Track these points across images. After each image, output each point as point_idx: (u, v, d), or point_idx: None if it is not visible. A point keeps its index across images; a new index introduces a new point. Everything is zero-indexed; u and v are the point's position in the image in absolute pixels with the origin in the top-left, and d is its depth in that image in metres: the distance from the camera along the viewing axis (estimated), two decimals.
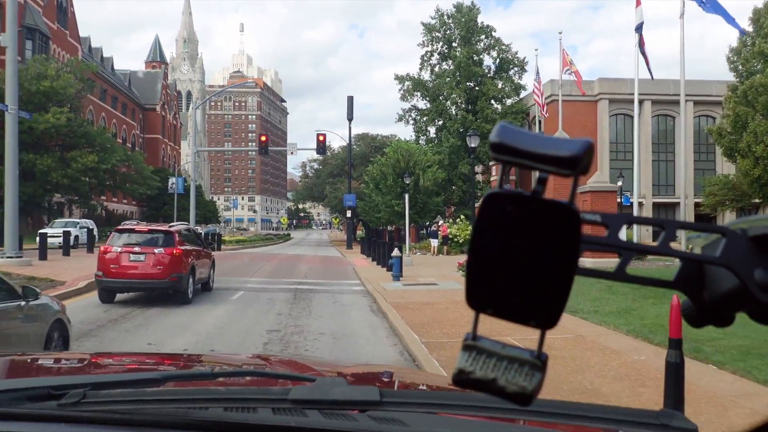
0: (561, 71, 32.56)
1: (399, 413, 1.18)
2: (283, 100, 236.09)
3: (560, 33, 33.50)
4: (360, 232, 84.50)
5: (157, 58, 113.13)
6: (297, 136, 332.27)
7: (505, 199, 0.53)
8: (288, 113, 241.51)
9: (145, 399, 1.21)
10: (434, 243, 34.77)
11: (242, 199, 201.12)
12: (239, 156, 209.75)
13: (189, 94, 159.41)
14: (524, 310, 0.55)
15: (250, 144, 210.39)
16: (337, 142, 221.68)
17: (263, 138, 38.61)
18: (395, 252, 18.58)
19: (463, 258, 27.40)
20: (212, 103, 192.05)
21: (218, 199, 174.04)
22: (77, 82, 53.95)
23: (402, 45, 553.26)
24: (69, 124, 50.92)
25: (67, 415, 1.10)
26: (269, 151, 38.98)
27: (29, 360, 1.87)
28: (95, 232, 38.67)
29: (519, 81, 54.46)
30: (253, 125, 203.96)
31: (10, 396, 1.19)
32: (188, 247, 14.25)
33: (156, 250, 13.34)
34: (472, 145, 31.99)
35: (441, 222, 36.01)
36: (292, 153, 38.80)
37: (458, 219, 38.50)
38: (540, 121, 43.03)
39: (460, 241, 33.74)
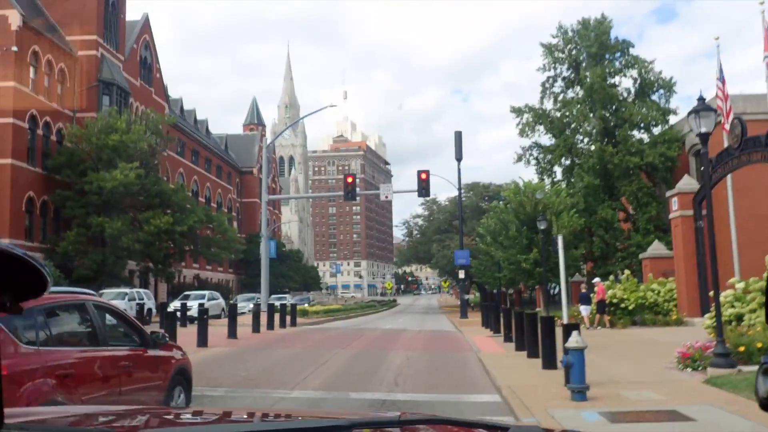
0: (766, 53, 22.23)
1: None
2: (387, 163, 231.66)
3: (717, 39, 23.06)
4: (473, 296, 74.85)
5: (254, 120, 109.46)
6: (402, 200, 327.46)
7: None
8: (392, 175, 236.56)
9: None
10: (584, 311, 24.43)
11: (347, 264, 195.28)
12: (344, 221, 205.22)
13: (291, 159, 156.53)
14: None
15: (354, 208, 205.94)
16: (443, 192, 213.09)
17: (349, 179, 30.36)
18: (573, 340, 9.06)
19: (669, 339, 17.35)
20: (316, 168, 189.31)
21: (323, 265, 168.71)
22: (151, 136, 48.15)
23: (506, 106, 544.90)
24: (140, 182, 44.75)
25: None
26: (356, 195, 30.66)
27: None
28: (149, 305, 31.14)
29: (667, 105, 43.94)
30: (358, 188, 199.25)
31: None
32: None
33: None
34: (542, 228, 28.62)
35: (597, 281, 25.65)
36: (386, 197, 30.73)
37: (622, 275, 27.95)
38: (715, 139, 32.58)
39: (630, 307, 23.60)
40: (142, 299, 32.23)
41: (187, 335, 17.84)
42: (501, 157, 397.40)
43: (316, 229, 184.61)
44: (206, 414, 1.54)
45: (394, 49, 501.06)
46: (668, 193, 23.96)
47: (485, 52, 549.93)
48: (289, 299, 59.55)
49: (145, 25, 62.25)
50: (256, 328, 23.32)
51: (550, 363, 12.07)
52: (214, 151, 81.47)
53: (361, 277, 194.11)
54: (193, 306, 30.84)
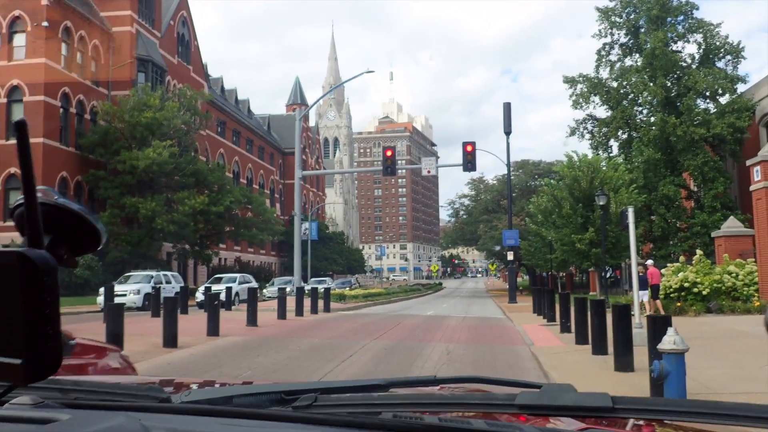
0: None
1: (630, 420, 1.17)
2: (433, 144, 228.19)
3: None
4: (521, 280, 71.74)
5: (297, 100, 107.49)
6: (449, 181, 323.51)
7: None
8: (438, 157, 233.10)
9: (371, 403, 1.24)
10: (644, 296, 21.51)
11: (393, 247, 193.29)
12: (389, 203, 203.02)
13: (336, 141, 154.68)
14: None
15: (400, 190, 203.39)
16: (490, 173, 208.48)
17: (388, 152, 27.95)
18: (670, 340, 6.55)
19: (757, 331, 14.56)
20: (361, 150, 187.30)
21: (369, 248, 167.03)
22: (186, 113, 46.46)
23: (557, 86, 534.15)
24: (174, 161, 43.13)
25: (300, 416, 1.13)
26: (396, 170, 28.25)
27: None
28: (176, 289, 29.31)
29: (735, 72, 40.25)
30: (403, 170, 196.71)
31: (250, 399, 1.25)
32: None
33: None
34: (601, 204, 25.75)
35: (650, 263, 22.66)
36: (428, 172, 28.31)
37: (688, 256, 24.85)
38: None
39: (704, 292, 20.66)
40: (169, 282, 30.37)
41: (200, 322, 15.83)
42: (551, 138, 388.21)
43: (361, 212, 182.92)
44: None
45: (442, 30, 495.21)
46: (749, 162, 20.91)
47: (535, 30, 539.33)
48: (329, 282, 57.66)
49: (183, 2, 60.59)
50: (281, 314, 21.23)
51: (625, 364, 9.59)
52: (255, 132, 79.84)
53: (406, 260, 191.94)
54: (221, 290, 29.00)
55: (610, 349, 11.22)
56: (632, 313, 10.92)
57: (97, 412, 1.14)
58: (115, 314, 10.63)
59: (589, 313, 12.38)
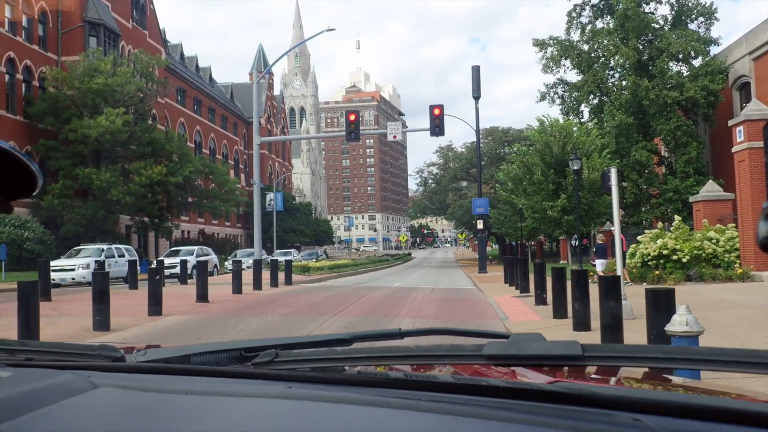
0: None
1: (601, 368, 1.18)
2: (401, 114, 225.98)
3: None
4: (491, 249, 70.89)
5: (261, 68, 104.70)
6: (418, 151, 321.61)
7: None
8: (407, 127, 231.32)
9: (334, 357, 1.22)
10: (600, 265, 20.65)
11: (362, 218, 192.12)
12: (358, 174, 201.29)
13: (302, 110, 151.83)
14: None
15: (368, 160, 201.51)
16: (459, 140, 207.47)
17: (351, 117, 26.41)
18: (681, 320, 5.30)
19: (744, 300, 13.58)
20: (328, 120, 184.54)
21: (337, 219, 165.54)
22: (141, 79, 44.20)
23: (526, 55, 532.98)
24: (129, 129, 41.08)
25: (261, 372, 1.13)
26: (360, 136, 26.79)
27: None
28: (119, 264, 27.56)
29: (707, 34, 39.27)
30: (371, 140, 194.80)
31: (208, 358, 1.23)
32: None
33: None
34: (575, 169, 24.19)
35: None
36: (394, 137, 26.84)
37: (666, 220, 23.93)
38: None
39: (684, 260, 19.64)
40: (122, 255, 28.61)
41: (146, 299, 14.31)
42: (520, 107, 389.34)
43: (329, 182, 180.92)
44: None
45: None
46: (732, 122, 19.82)
47: None
48: (295, 254, 56.20)
49: None
50: (237, 288, 19.78)
51: (613, 342, 8.36)
52: (218, 101, 77.48)
53: (375, 230, 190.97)
54: (176, 264, 27.38)
55: (594, 323, 10.08)
56: (625, 282, 9.75)
57: (42, 370, 1.08)
58: (26, 293, 9.08)
59: (569, 285, 11.18)
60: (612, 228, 23.51)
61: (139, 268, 25.75)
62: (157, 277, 13.71)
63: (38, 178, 0.81)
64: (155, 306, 13.44)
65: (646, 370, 1.33)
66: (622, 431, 0.81)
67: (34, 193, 0.80)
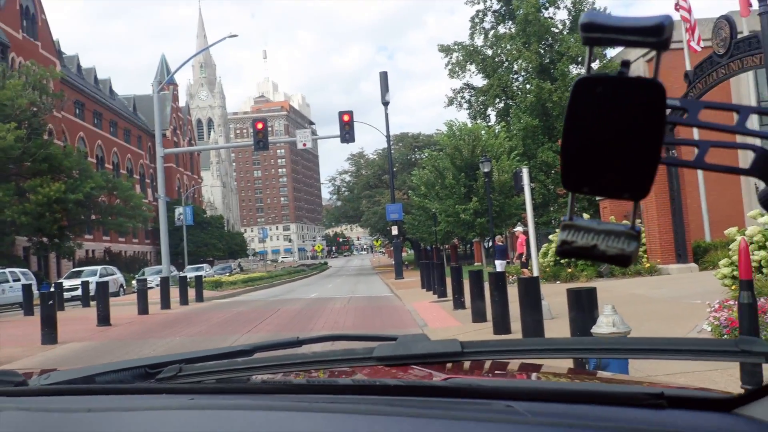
0: None
1: (479, 362, 1.26)
2: (312, 123, 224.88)
3: None
4: (406, 254, 71.07)
5: (164, 79, 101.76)
6: (330, 161, 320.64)
7: (594, 82, 0.58)
8: (317, 135, 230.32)
9: (236, 368, 1.26)
10: (500, 266, 20.98)
11: (276, 229, 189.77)
12: (270, 185, 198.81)
13: (210, 122, 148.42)
14: (618, 185, 0.60)
15: (280, 170, 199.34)
16: (370, 147, 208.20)
17: (259, 125, 25.68)
18: (608, 321, 5.07)
19: (658, 294, 13.84)
20: (237, 131, 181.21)
21: (251, 231, 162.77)
22: (34, 92, 41.87)
23: (433, 62, 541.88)
24: (22, 145, 38.76)
25: (165, 387, 1.15)
26: (269, 145, 26.11)
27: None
28: (14, 289, 25.79)
29: None
30: (282, 150, 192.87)
31: (112, 376, 1.25)
32: None
33: None
34: (485, 171, 25.18)
35: (520, 229, 22.23)
36: (304, 145, 26.41)
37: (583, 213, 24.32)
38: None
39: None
40: (18, 280, 26.78)
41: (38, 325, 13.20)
42: (429, 113, 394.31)
43: (241, 194, 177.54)
44: None
45: (316, 8, 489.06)
46: (668, 101, 20.34)
47: (409, 7, 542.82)
48: (208, 269, 54.58)
49: None
50: (143, 309, 18.64)
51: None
52: (120, 113, 74.71)
53: (290, 241, 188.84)
54: (77, 285, 25.84)
55: (515, 326, 9.91)
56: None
57: None
58: None
59: (487, 288, 11.00)
60: (515, 229, 23.87)
61: (37, 292, 24.18)
62: (50, 302, 12.66)
63: None
64: (50, 333, 12.40)
65: (520, 362, 1.49)
66: (496, 417, 0.89)
67: None
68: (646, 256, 20.16)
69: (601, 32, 0.57)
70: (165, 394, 1.09)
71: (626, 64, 0.58)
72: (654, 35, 0.56)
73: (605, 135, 0.58)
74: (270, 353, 1.40)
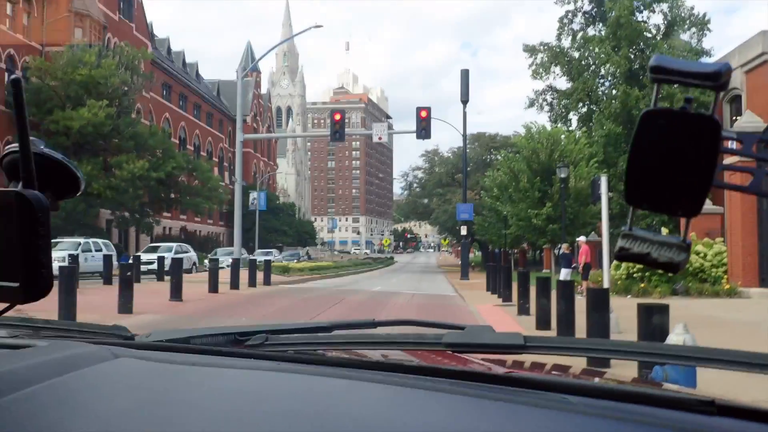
0: None
1: (540, 356, 1.32)
2: (389, 117, 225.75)
3: None
4: (473, 255, 70.47)
5: (248, 66, 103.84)
6: (405, 155, 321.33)
7: (658, 115, 0.66)
8: (392, 126, 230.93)
9: (316, 342, 1.41)
10: (564, 274, 20.65)
11: (345, 220, 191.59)
12: (343, 176, 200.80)
13: (289, 110, 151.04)
14: (673, 203, 0.69)
15: (354, 162, 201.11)
16: (445, 145, 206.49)
17: (337, 116, 25.97)
18: (679, 338, 4.91)
19: (735, 317, 13.31)
20: (315, 120, 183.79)
21: (321, 221, 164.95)
22: (125, 72, 43.51)
23: (517, 61, 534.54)
24: (112, 122, 40.40)
25: (253, 353, 1.24)
26: (344, 136, 26.38)
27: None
28: (95, 258, 26.84)
29: (699, 45, 39.28)
30: (357, 142, 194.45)
31: (206, 340, 1.37)
32: None
33: None
34: (562, 176, 25.65)
35: (582, 239, 21.81)
36: (380, 138, 26.55)
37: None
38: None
39: (670, 273, 19.40)
40: (100, 250, 27.96)
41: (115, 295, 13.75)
42: (508, 114, 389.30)
43: (314, 183, 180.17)
44: None
45: (404, 3, 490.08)
46: (725, 133, 19.57)
47: (498, 4, 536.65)
48: (276, 254, 55.58)
49: None
50: (213, 287, 19.19)
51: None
52: (204, 97, 76.65)
53: (359, 233, 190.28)
54: (153, 260, 26.76)
55: (579, 336, 9.69)
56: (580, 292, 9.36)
57: (71, 342, 1.25)
58: None
59: (554, 296, 10.80)
60: (579, 239, 23.34)
61: (117, 263, 25.22)
62: (128, 274, 13.16)
63: (82, 183, 0.95)
64: (126, 304, 12.89)
65: (582, 362, 1.60)
66: (551, 405, 0.95)
67: (78, 194, 0.94)
68: (726, 276, 19.38)
69: (667, 74, 0.64)
70: (254, 358, 1.19)
71: (689, 100, 0.65)
72: (712, 80, 0.63)
73: (665, 160, 0.66)
74: (347, 331, 1.52)
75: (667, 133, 0.66)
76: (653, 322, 6.22)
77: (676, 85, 0.65)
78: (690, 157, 0.66)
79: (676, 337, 5.08)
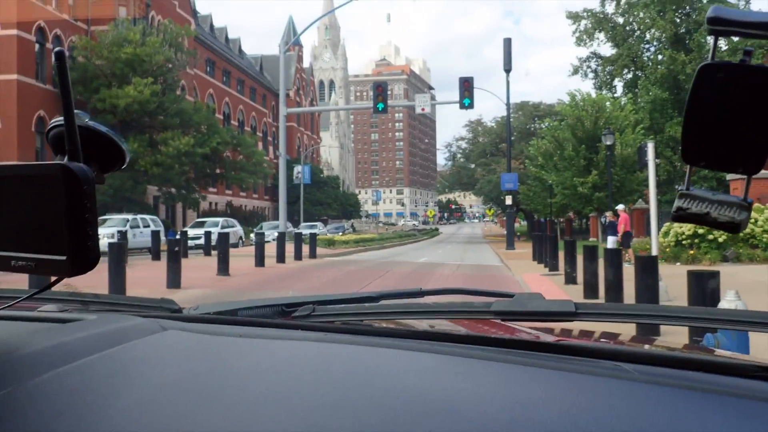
0: None
1: (591, 324, 1.33)
2: (431, 88, 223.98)
3: None
4: (518, 225, 69.87)
5: (290, 40, 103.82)
6: (448, 126, 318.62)
7: (717, 68, 0.65)
8: (436, 100, 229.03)
9: (363, 312, 1.40)
10: (611, 242, 20.48)
11: (390, 192, 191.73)
12: (386, 147, 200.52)
13: (331, 83, 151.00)
14: (732, 160, 0.66)
15: (397, 134, 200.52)
16: (488, 114, 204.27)
17: (379, 89, 25.91)
18: (731, 304, 4.88)
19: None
20: (357, 93, 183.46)
21: (365, 193, 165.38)
22: (169, 49, 43.98)
23: (560, 28, 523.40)
24: (157, 99, 41.01)
25: (301, 324, 1.26)
26: (387, 108, 26.29)
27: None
28: (144, 234, 27.44)
29: (748, 6, 37.81)
30: (400, 113, 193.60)
31: (254, 312, 1.39)
32: None
33: None
34: (608, 144, 24.05)
35: (621, 208, 21.49)
36: (423, 109, 26.40)
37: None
38: None
39: (720, 239, 18.93)
40: (148, 226, 28.62)
41: (164, 270, 14.11)
42: (551, 82, 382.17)
43: (357, 156, 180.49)
44: None
45: None
46: None
47: None
48: (321, 228, 56.03)
49: None
50: (260, 261, 19.53)
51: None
52: (247, 72, 77.07)
53: (403, 205, 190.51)
54: (201, 235, 27.29)
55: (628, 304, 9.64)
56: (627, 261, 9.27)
57: (120, 315, 1.29)
58: None
59: (601, 265, 10.70)
60: (618, 207, 22.99)
61: (164, 239, 25.80)
62: (176, 249, 13.47)
63: (127, 156, 0.95)
64: (174, 278, 13.23)
65: (633, 328, 1.81)
66: (604, 373, 0.95)
67: (123, 167, 0.95)
68: None
69: (725, 26, 0.62)
70: (300, 330, 1.20)
71: (748, 53, 0.62)
72: None
73: (724, 115, 0.64)
74: (394, 301, 1.50)
75: (725, 87, 0.64)
76: (704, 288, 6.14)
77: (726, 47, 0.64)
78: (750, 112, 0.63)
79: (727, 303, 5.04)
